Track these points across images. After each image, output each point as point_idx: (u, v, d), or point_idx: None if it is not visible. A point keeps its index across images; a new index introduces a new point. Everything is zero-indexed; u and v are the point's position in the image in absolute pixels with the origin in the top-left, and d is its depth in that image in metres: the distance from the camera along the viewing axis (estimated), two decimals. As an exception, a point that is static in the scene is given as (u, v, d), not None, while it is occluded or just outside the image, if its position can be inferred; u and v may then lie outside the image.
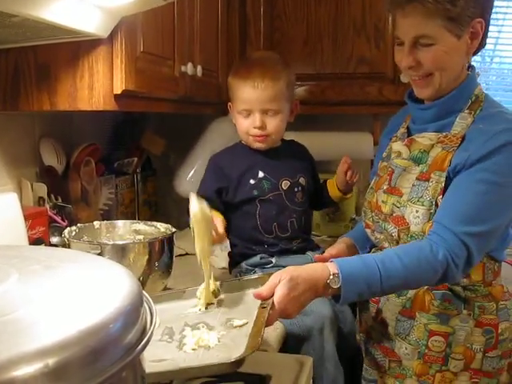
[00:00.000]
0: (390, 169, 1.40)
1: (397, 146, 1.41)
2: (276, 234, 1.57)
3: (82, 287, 0.59)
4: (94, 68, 1.35)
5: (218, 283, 1.24)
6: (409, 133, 1.43)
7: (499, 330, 1.33)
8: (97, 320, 0.51)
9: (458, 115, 1.31)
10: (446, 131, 1.32)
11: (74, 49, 1.34)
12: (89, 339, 0.49)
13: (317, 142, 2.13)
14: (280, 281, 1.11)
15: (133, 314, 0.57)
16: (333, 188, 1.70)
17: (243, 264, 1.57)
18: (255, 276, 1.28)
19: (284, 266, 1.52)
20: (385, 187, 1.38)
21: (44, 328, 0.50)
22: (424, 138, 1.35)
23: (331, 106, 2.16)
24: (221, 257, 1.84)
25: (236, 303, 1.20)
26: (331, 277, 1.14)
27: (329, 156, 2.20)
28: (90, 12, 1.20)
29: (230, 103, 1.65)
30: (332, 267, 1.16)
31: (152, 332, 0.58)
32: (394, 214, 1.33)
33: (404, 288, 1.29)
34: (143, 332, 0.58)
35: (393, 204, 1.34)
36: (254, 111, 1.55)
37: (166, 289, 1.50)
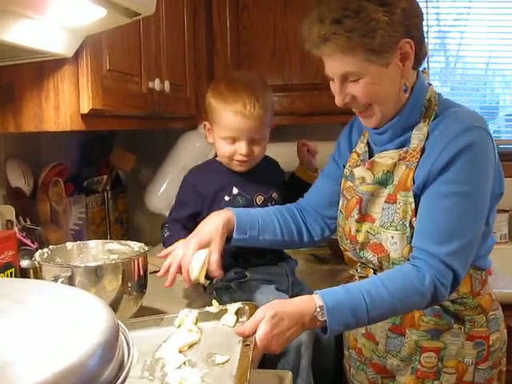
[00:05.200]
0: (357, 196, 1.35)
1: (359, 171, 1.36)
2: (250, 247, 1.55)
3: (56, 323, 0.57)
4: (59, 88, 1.32)
5: (196, 311, 1.21)
6: (370, 152, 1.39)
7: (490, 342, 1.32)
8: (72, 360, 0.49)
9: (414, 127, 1.28)
10: (406, 146, 1.29)
11: (39, 69, 1.32)
12: (64, 381, 0.47)
13: (288, 153, 2.14)
14: (264, 316, 1.09)
15: (109, 350, 0.55)
16: (304, 173, 1.76)
17: (218, 280, 1.55)
18: (234, 306, 1.23)
19: (258, 279, 1.54)
20: (356, 216, 1.34)
21: (18, 371, 0.48)
22: (385, 158, 1.31)
23: (300, 117, 2.16)
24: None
25: (216, 335, 1.16)
26: (318, 309, 1.12)
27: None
28: (54, 32, 1.19)
29: (206, 123, 1.60)
30: (318, 299, 1.13)
31: (130, 366, 0.56)
32: (371, 242, 1.31)
33: (392, 315, 1.26)
34: (120, 367, 0.56)
35: (367, 232, 1.31)
36: (240, 139, 1.52)
37: (141, 308, 1.47)
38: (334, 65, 1.24)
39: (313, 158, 1.79)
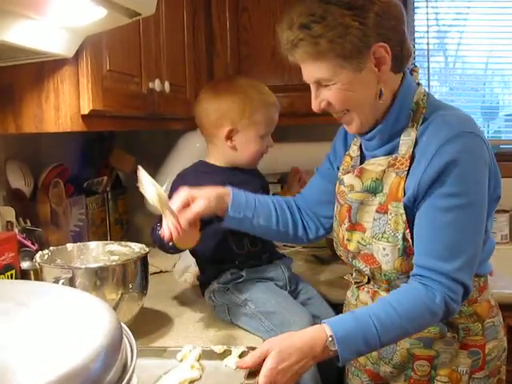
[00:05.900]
0: (347, 204, 1.32)
1: (348, 178, 1.33)
2: (248, 248, 1.55)
3: (58, 326, 0.57)
4: (59, 88, 1.32)
5: (200, 349, 1.21)
6: (362, 157, 1.35)
7: (486, 351, 1.28)
8: (75, 363, 0.49)
9: (402, 132, 1.23)
10: (395, 153, 1.24)
11: (39, 69, 1.31)
12: (68, 385, 0.47)
13: (287, 154, 2.14)
14: (269, 351, 1.08)
15: (113, 353, 0.55)
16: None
17: (215, 283, 1.54)
18: (239, 348, 1.23)
19: (255, 278, 1.53)
20: (347, 225, 1.31)
21: (21, 377, 0.47)
22: (374, 165, 1.27)
23: (301, 117, 2.15)
24: (194, 273, 1.82)
25: (217, 375, 1.15)
26: (329, 339, 1.10)
27: (300, 167, 2.20)
28: (55, 32, 1.18)
29: (229, 129, 1.51)
30: (327, 329, 1.12)
31: (134, 369, 0.56)
32: (362, 252, 1.28)
33: (405, 336, 1.22)
34: (124, 369, 0.56)
35: (358, 242, 1.28)
36: (270, 131, 1.55)
37: (142, 309, 1.47)
38: (306, 71, 1.22)
39: (301, 188, 1.75)
